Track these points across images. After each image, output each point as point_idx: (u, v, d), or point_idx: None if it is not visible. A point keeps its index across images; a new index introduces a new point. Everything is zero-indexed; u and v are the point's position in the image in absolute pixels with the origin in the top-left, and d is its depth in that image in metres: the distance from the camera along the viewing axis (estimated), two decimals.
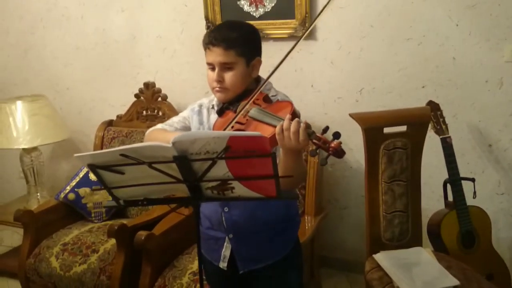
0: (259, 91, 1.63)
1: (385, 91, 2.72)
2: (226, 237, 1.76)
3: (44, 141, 3.07)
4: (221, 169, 1.25)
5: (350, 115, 2.26)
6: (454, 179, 2.37)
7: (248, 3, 2.86)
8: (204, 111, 1.77)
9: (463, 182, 2.38)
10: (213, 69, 1.65)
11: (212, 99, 1.77)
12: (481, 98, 2.57)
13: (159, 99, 3.09)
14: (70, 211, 2.95)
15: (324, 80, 2.85)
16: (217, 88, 1.65)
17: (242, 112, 1.57)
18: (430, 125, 2.36)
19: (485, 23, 2.48)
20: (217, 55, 1.60)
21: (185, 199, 1.36)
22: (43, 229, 2.81)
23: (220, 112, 1.69)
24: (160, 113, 3.10)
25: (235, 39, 1.59)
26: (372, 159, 2.22)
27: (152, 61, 3.21)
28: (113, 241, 2.56)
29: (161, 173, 1.25)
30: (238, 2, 2.87)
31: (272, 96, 1.69)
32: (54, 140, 3.15)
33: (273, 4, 2.82)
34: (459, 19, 2.52)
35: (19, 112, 3.01)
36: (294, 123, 1.37)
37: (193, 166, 1.25)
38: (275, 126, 1.41)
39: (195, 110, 1.79)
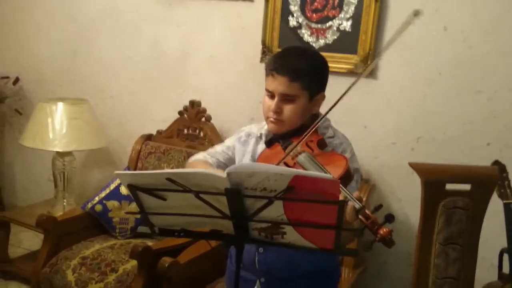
0: (314, 130, 1.47)
1: (445, 144, 2.52)
2: (258, 281, 1.59)
3: (79, 147, 2.97)
4: (276, 210, 1.08)
5: (410, 164, 2.06)
6: None
7: (309, 33, 2.73)
8: (252, 141, 1.62)
9: None
10: (272, 97, 1.50)
11: (262, 128, 1.62)
12: None
13: (203, 119, 2.97)
14: (95, 223, 2.82)
15: (379, 122, 2.67)
16: (272, 119, 1.50)
17: (291, 152, 1.41)
18: None
19: None
20: (280, 84, 1.45)
21: (227, 238, 1.19)
22: (64, 238, 2.68)
23: (269, 144, 1.54)
24: (202, 134, 2.97)
25: (303, 71, 1.45)
26: (429, 216, 2.01)
27: (200, 80, 3.10)
28: (134, 262, 2.40)
29: (207, 205, 1.09)
30: (299, 31, 2.75)
31: (329, 138, 1.53)
32: (90, 147, 3.06)
33: (335, 37, 2.67)
34: None
35: (59, 114, 2.93)
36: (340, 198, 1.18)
37: (244, 202, 1.09)
38: None
39: (241, 140, 1.64)
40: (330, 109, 1.48)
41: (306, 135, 1.42)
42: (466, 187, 2.06)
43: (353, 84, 1.49)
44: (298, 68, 1.45)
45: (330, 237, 1.10)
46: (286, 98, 1.48)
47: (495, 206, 2.15)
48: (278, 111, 1.49)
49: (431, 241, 2.04)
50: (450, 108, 2.49)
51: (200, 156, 1.64)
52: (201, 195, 1.07)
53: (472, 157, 2.45)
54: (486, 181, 2.03)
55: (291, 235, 1.13)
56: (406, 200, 2.63)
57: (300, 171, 1.05)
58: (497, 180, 2.08)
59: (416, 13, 1.45)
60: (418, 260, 2.06)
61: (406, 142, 2.62)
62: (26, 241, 3.50)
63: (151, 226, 1.20)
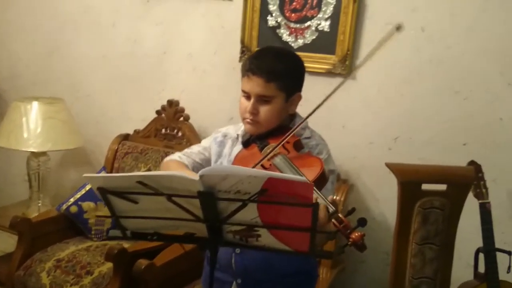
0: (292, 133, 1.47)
1: (422, 143, 2.53)
2: (234, 282, 1.58)
3: (54, 146, 2.91)
4: (250, 213, 1.07)
5: (387, 164, 2.07)
6: (489, 249, 2.16)
7: (288, 33, 2.72)
8: (228, 142, 1.62)
9: (497, 253, 2.17)
10: (248, 97, 1.49)
11: (239, 129, 1.61)
12: None
13: (181, 118, 2.94)
14: (70, 225, 2.77)
15: (357, 122, 2.67)
16: (249, 120, 1.49)
17: (268, 154, 1.40)
18: None
19: None
20: (256, 85, 1.44)
21: (201, 241, 1.17)
22: (39, 240, 2.63)
23: (246, 144, 1.53)
24: (180, 134, 2.94)
25: (279, 72, 1.44)
26: (405, 216, 2.02)
27: (179, 79, 3.07)
28: (110, 264, 2.37)
29: (180, 208, 1.07)
30: (278, 30, 2.73)
31: (306, 138, 1.53)
32: (65, 147, 3.00)
33: (314, 37, 2.66)
34: None
35: (34, 113, 2.87)
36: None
37: (218, 205, 1.07)
38: None
39: (217, 141, 1.63)
40: (307, 116, 1.49)
41: (284, 139, 1.41)
42: (442, 187, 2.07)
43: (332, 93, 1.51)
44: (274, 69, 1.44)
45: (305, 239, 1.08)
46: (262, 99, 1.47)
47: (471, 205, 2.17)
48: (254, 112, 1.48)
49: (408, 241, 2.05)
50: (427, 108, 2.51)
51: (175, 156, 1.62)
52: (173, 198, 1.04)
53: (449, 157, 2.46)
54: (462, 181, 2.05)
55: (266, 238, 1.12)
56: (384, 200, 2.64)
57: (274, 173, 1.03)
58: (472, 180, 2.10)
59: (398, 27, 1.46)
60: (395, 259, 2.07)
61: (384, 142, 2.62)
62: (0, 243, 3.42)
63: (123, 230, 1.18)
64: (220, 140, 1.61)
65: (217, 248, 1.17)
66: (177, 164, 1.57)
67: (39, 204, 3.07)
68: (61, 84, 3.40)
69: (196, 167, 1.61)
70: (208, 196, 1.03)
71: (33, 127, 2.85)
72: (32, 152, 2.98)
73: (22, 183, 3.46)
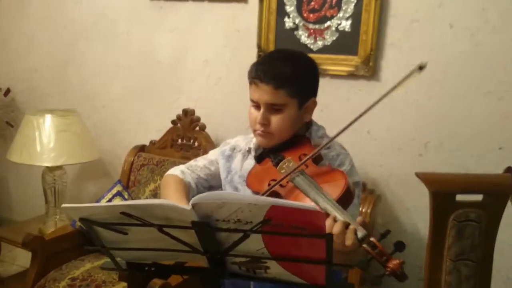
0: (308, 140, 1.33)
1: (454, 149, 2.35)
2: None
3: (68, 160, 2.83)
4: (254, 244, 0.93)
5: (417, 174, 1.89)
6: None
7: (307, 34, 2.57)
8: (238, 156, 1.48)
9: None
10: (257, 107, 1.35)
11: (250, 141, 1.47)
12: None
13: (197, 128, 2.82)
14: (86, 241, 2.66)
15: (383, 127, 2.50)
16: (260, 132, 1.35)
17: (283, 170, 1.26)
18: None
19: None
20: (265, 93, 1.30)
21: (203, 273, 1.04)
22: (54, 258, 2.54)
23: (259, 159, 1.39)
24: (196, 144, 2.82)
25: (288, 77, 1.30)
26: (439, 230, 1.84)
27: (194, 87, 2.95)
28: (125, 283, 2.26)
29: (174, 239, 0.94)
30: (296, 32, 2.59)
31: (325, 149, 1.38)
32: (79, 160, 2.91)
33: (334, 38, 2.51)
34: None
35: (47, 126, 2.79)
36: (337, 224, 1.02)
37: (217, 235, 0.94)
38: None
39: (225, 154, 1.49)
40: (335, 136, 1.35)
41: (306, 160, 1.27)
42: (478, 197, 1.89)
43: (369, 108, 1.39)
44: (282, 74, 1.30)
45: (321, 271, 0.94)
46: (272, 108, 1.33)
47: (510, 215, 1.98)
48: (265, 122, 1.34)
49: (442, 257, 1.87)
50: (457, 110, 2.32)
51: (177, 171, 1.48)
52: (165, 229, 0.92)
53: (483, 162, 2.28)
54: (499, 191, 1.86)
55: (276, 270, 0.98)
56: (416, 210, 2.46)
57: (277, 200, 0.89)
58: (510, 189, 1.91)
59: (421, 67, 1.33)
60: (429, 277, 1.89)
61: (413, 148, 2.44)
62: (21, 257, 3.37)
63: (116, 262, 1.05)
64: (228, 154, 1.48)
65: (219, 282, 1.04)
66: (176, 182, 1.44)
67: (56, 219, 3.00)
68: (76, 95, 3.34)
69: (200, 183, 1.50)
70: (204, 226, 0.90)
71: (46, 141, 2.78)
72: (47, 167, 2.91)
73: (41, 198, 3.40)
